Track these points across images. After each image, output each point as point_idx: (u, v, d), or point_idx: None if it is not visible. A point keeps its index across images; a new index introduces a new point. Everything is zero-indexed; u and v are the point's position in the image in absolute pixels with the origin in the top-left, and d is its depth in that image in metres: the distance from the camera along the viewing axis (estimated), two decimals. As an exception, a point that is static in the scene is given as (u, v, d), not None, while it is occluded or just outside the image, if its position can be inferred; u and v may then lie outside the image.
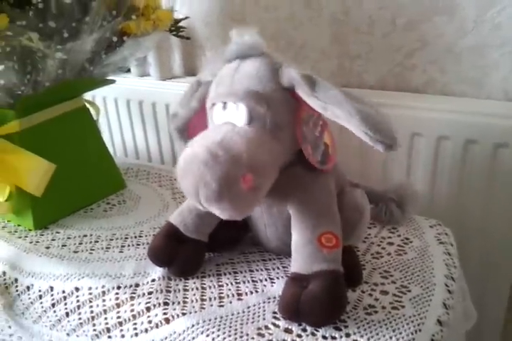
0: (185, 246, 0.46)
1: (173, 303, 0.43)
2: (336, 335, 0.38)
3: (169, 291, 0.45)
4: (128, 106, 0.97)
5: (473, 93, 0.66)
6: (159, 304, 0.43)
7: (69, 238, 0.57)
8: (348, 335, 0.38)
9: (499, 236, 0.64)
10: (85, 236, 0.57)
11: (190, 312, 0.42)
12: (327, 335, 0.38)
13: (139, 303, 0.44)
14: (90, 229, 0.59)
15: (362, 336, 0.38)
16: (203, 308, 0.42)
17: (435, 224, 0.55)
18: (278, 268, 0.48)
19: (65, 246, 0.55)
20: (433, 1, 0.63)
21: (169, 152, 0.96)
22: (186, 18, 0.78)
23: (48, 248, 0.55)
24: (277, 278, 0.46)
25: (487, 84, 0.64)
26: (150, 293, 0.45)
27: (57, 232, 0.58)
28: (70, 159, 0.62)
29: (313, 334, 0.38)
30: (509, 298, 0.69)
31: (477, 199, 0.64)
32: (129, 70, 0.95)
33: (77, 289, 0.48)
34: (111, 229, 0.58)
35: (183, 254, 0.46)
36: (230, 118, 0.40)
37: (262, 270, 0.48)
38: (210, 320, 0.41)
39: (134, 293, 0.45)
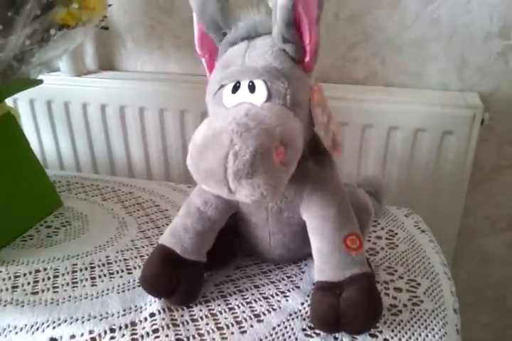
0: (185, 270, 0.41)
1: (188, 338, 0.38)
2: (376, 343, 0.37)
3: (177, 325, 0.39)
4: (32, 107, 0.84)
5: (412, 84, 0.69)
6: (172, 342, 0.38)
7: (17, 277, 0.46)
8: (386, 341, 0.37)
9: (445, 219, 0.70)
10: (38, 271, 0.47)
11: (213, 346, 0.37)
12: (367, 345, 0.37)
13: (146, 345, 0.38)
14: (40, 261, 0.49)
15: (400, 339, 0.37)
16: (225, 338, 0.38)
17: (408, 213, 0.57)
18: (283, 279, 0.45)
19: (16, 287, 0.45)
20: (377, -6, 0.64)
21: (87, 158, 0.86)
22: (109, 5, 0.68)
23: (-6, 293, 0.44)
24: (288, 290, 0.43)
25: (425, 75, 0.68)
26: (156, 331, 0.39)
27: (-2, 271, 0.47)
28: (1, 176, 0.51)
29: (353, 346, 0.37)
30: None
31: (426, 183, 0.68)
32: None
33: (53, 340, 0.39)
34: (67, 258, 0.49)
35: (184, 280, 0.41)
36: (243, 98, 0.36)
37: (267, 284, 0.44)
38: (239, 351, 0.37)
39: (135, 334, 0.38)
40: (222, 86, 0.37)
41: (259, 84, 0.36)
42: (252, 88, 0.36)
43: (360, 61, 0.70)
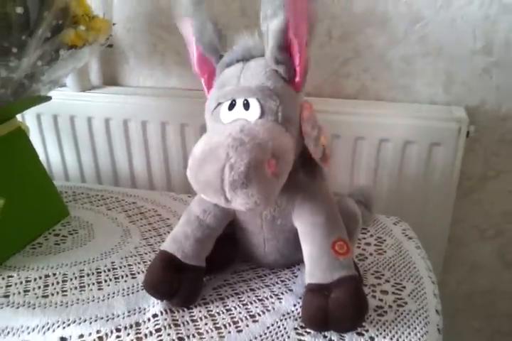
0: (186, 274, 0.44)
1: (189, 337, 0.41)
2: (362, 340, 0.40)
3: (178, 325, 0.42)
4: (39, 121, 0.87)
5: (401, 98, 0.73)
6: None
7: (28, 281, 0.50)
8: (372, 339, 0.40)
9: (434, 227, 0.73)
10: (47, 276, 0.50)
11: (212, 344, 0.40)
12: (354, 342, 0.40)
13: (150, 343, 0.41)
14: (49, 267, 0.52)
15: (384, 337, 0.40)
16: (223, 337, 0.41)
17: (397, 221, 0.60)
18: (277, 282, 0.48)
19: (27, 291, 0.48)
20: (366, 13, 0.68)
21: (92, 170, 0.89)
22: (114, 24, 0.72)
23: (6, 296, 0.47)
24: (281, 293, 0.46)
25: (414, 89, 0.72)
26: (158, 330, 0.42)
27: (10, 276, 0.50)
28: (12, 188, 0.54)
29: (340, 344, 0.40)
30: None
31: (415, 193, 0.71)
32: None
33: (63, 339, 0.42)
34: (75, 264, 0.52)
35: (185, 284, 0.44)
36: (239, 115, 0.39)
37: (262, 287, 0.47)
38: (236, 348, 0.39)
39: (139, 333, 0.42)
40: (219, 104, 0.41)
41: (253, 102, 0.39)
42: (246, 106, 0.39)
43: (351, 77, 0.73)
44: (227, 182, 0.34)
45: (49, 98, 0.58)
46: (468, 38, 0.67)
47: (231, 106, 0.40)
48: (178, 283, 0.43)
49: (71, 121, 0.85)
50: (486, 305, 0.84)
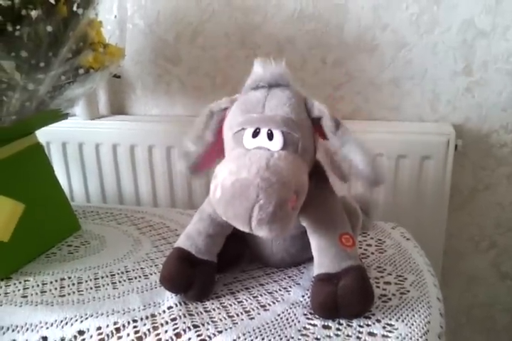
0: (200, 269, 0.46)
1: (203, 325, 0.42)
2: (369, 322, 0.42)
3: (192, 315, 0.44)
4: (48, 149, 0.91)
5: (392, 117, 0.78)
6: (189, 328, 0.42)
7: (45, 284, 0.51)
8: (379, 321, 0.42)
9: (430, 240, 0.75)
10: (63, 279, 0.52)
11: (226, 329, 0.42)
12: (362, 324, 0.42)
13: (166, 331, 0.42)
14: (65, 272, 0.54)
15: (390, 319, 0.42)
16: (236, 323, 0.43)
17: (395, 226, 0.63)
18: (285, 278, 0.50)
19: (44, 292, 0.50)
20: (356, 41, 0.75)
21: (98, 195, 0.92)
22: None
23: (25, 297, 0.49)
24: (290, 286, 0.48)
25: (403, 109, 0.78)
26: (174, 320, 0.43)
27: (27, 280, 0.52)
28: (28, 200, 0.57)
29: (349, 325, 0.42)
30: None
31: (410, 206, 0.75)
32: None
33: (81, 332, 0.43)
34: (89, 269, 0.54)
35: (199, 277, 0.46)
36: (262, 144, 0.41)
37: (271, 282, 0.49)
38: (249, 332, 0.41)
39: (155, 323, 0.43)
40: (243, 128, 0.42)
41: (277, 134, 0.41)
42: (270, 136, 0.41)
43: (345, 99, 0.79)
44: (255, 220, 0.38)
45: (66, 115, 0.62)
46: (450, 61, 0.73)
47: (255, 134, 0.42)
48: (192, 277, 0.45)
49: (79, 148, 0.90)
50: (486, 318, 0.85)
